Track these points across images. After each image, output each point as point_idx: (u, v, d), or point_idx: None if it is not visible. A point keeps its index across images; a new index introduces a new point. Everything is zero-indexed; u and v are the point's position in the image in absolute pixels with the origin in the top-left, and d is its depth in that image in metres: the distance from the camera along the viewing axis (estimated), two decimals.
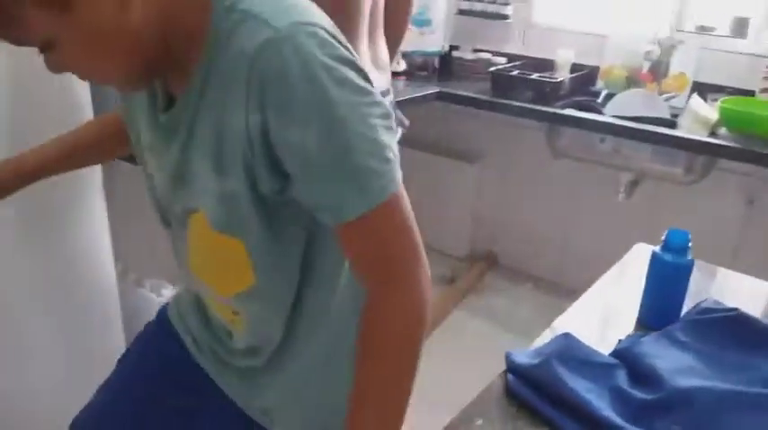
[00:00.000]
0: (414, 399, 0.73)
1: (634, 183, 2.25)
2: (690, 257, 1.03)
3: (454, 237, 2.83)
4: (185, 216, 0.76)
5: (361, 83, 0.64)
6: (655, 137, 1.91)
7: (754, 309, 1.04)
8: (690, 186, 2.11)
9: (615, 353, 0.91)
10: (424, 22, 2.49)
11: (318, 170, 0.63)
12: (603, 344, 0.94)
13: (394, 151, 0.67)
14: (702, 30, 2.27)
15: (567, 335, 0.90)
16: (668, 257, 1.04)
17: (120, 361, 1.02)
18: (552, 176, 2.56)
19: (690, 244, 1.03)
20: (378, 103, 0.65)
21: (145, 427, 0.94)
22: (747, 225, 2.21)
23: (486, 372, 0.87)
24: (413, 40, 2.51)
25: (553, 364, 0.83)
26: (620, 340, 0.97)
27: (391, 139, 0.66)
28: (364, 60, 1.39)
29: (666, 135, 1.89)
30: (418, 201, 3.04)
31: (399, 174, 0.67)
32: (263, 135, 0.63)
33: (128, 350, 1.03)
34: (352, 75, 0.63)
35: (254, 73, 0.61)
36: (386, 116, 0.66)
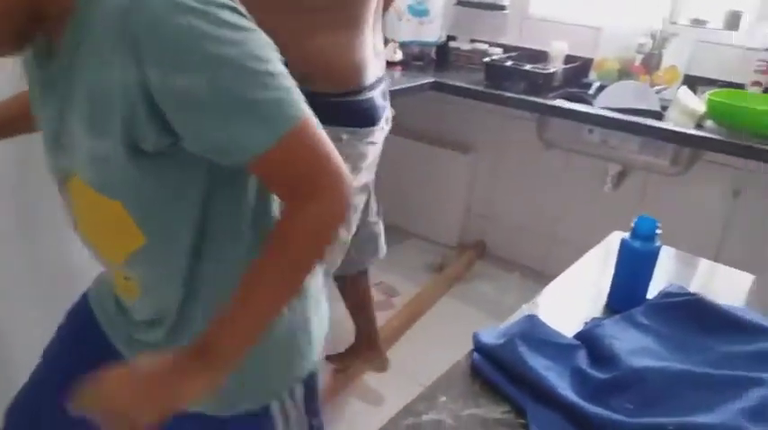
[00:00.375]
0: (402, 381, 0.75)
1: (622, 174, 2.28)
2: (657, 244, 1.07)
3: (445, 226, 2.87)
4: (66, 177, 0.73)
5: (238, 19, 0.63)
6: (640, 128, 1.94)
7: (734, 301, 1.09)
8: (676, 177, 2.14)
9: (578, 336, 0.95)
10: (422, 12, 2.51)
11: (214, 114, 0.62)
12: (572, 326, 0.98)
13: (289, 78, 0.67)
14: (696, 23, 2.29)
15: (531, 317, 0.94)
16: (636, 244, 1.07)
17: (45, 349, 0.98)
18: (542, 167, 2.59)
19: (658, 231, 1.06)
20: (259, 35, 0.65)
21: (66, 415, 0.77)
22: (733, 216, 2.24)
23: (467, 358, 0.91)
24: (411, 30, 2.54)
25: (516, 344, 0.87)
26: (586, 323, 1.01)
27: (281, 67, 0.66)
28: (367, 49, 1.40)
29: (652, 127, 1.92)
30: (411, 190, 3.16)
31: (300, 98, 0.67)
32: (144, 92, 0.61)
33: (54, 336, 1.00)
34: (226, 14, 0.62)
35: (127, 26, 0.59)
36: (270, 45, 0.66)
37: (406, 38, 2.52)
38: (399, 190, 2.72)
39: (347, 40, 1.36)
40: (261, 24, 0.67)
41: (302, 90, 0.67)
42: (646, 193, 2.39)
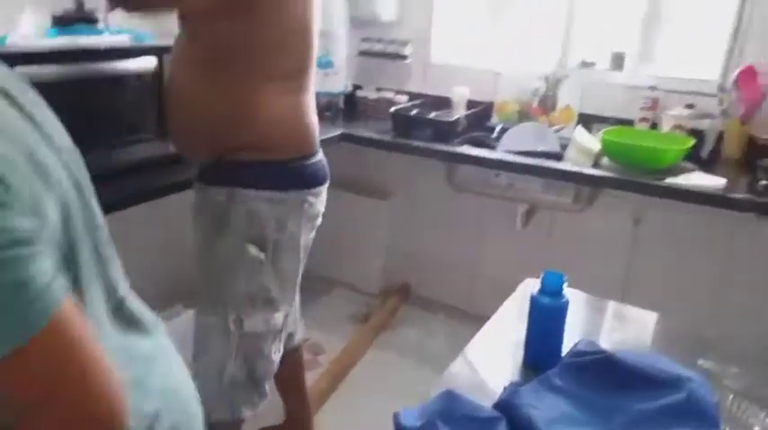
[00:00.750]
0: None
1: (530, 213, 2.36)
2: (564, 299, 1.09)
3: (368, 273, 2.85)
4: None
5: None
6: (542, 170, 2.01)
7: (642, 340, 1.16)
8: (580, 213, 2.23)
9: (498, 405, 0.95)
10: (327, 64, 2.53)
11: None
12: (493, 386, 0.99)
13: (30, 273, 0.51)
14: (584, 65, 2.43)
15: (449, 393, 0.93)
16: (545, 300, 1.10)
17: None
18: (456, 209, 2.65)
19: (564, 285, 1.09)
20: None
21: None
22: (635, 243, 2.36)
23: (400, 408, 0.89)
24: (317, 82, 2.54)
25: (437, 426, 0.86)
26: (505, 387, 1.01)
27: (21, 263, 0.51)
28: (314, 110, 1.46)
29: (551, 169, 1.99)
30: (332, 238, 3.10)
31: (52, 295, 0.53)
32: None
33: None
34: None
35: None
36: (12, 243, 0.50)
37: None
38: (319, 239, 2.68)
39: (303, 103, 1.41)
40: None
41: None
42: (554, 229, 2.48)
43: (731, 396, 1.04)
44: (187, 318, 1.74)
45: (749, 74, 2.02)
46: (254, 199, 1.34)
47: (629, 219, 2.34)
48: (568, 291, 1.08)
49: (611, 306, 1.37)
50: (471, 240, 2.68)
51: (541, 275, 1.10)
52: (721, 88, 2.09)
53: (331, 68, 2.53)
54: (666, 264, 2.32)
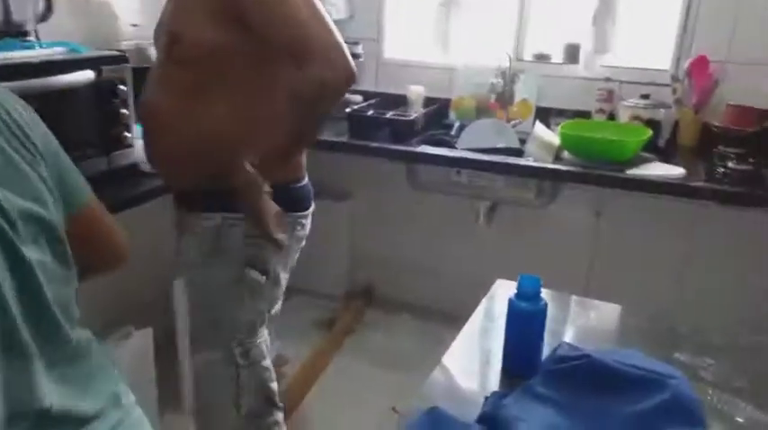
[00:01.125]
0: None
1: (492, 210, 2.34)
2: (543, 302, 1.06)
3: (331, 277, 2.78)
4: None
5: None
6: (504, 167, 1.99)
7: (610, 333, 1.17)
8: (543, 208, 2.22)
9: (482, 418, 0.90)
10: None
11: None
12: (472, 400, 0.95)
13: None
14: (540, 58, 2.42)
15: (432, 412, 0.88)
16: (523, 305, 1.06)
17: None
18: (417, 208, 2.61)
19: (541, 288, 1.05)
20: None
21: None
22: (598, 236, 2.37)
23: (372, 414, 0.83)
24: None
25: None
26: (486, 397, 0.96)
27: None
28: None
29: (513, 165, 1.97)
30: None
31: None
32: None
33: None
34: None
35: None
36: None
37: None
38: None
39: None
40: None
41: None
42: (517, 225, 2.46)
43: (710, 389, 1.03)
44: (138, 339, 1.65)
45: (701, 63, 2.05)
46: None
47: (592, 212, 2.34)
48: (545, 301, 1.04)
49: (578, 301, 1.35)
50: (434, 239, 2.64)
51: (518, 279, 1.06)
52: (674, 78, 2.10)
53: None
54: (629, 255, 2.33)
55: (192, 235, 1.32)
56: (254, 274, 1.31)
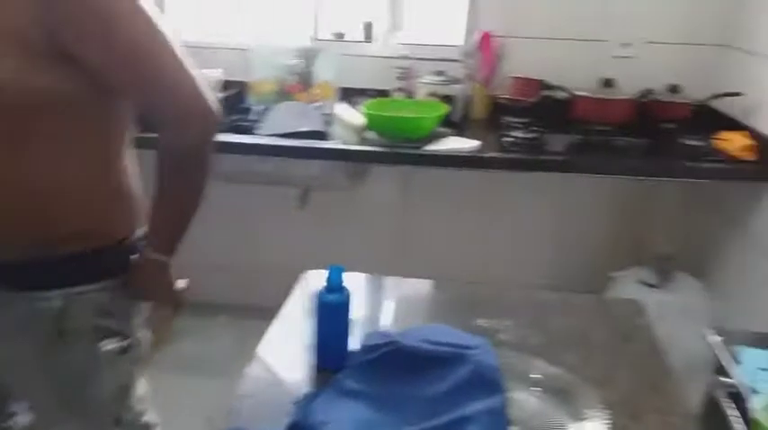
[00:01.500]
0: None
1: (304, 196, 2.27)
2: (346, 292, 1.02)
3: None
4: None
5: None
6: (310, 152, 1.92)
7: (420, 310, 1.20)
8: (354, 190, 2.21)
9: (292, 426, 0.84)
10: None
11: None
12: (288, 402, 0.90)
13: None
14: (337, 37, 2.39)
15: None
16: (328, 298, 1.01)
17: None
18: (224, 201, 2.45)
19: (352, 275, 1.02)
20: None
21: None
22: (406, 212, 2.43)
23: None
24: None
25: None
26: (296, 403, 0.90)
27: None
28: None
29: (319, 149, 1.92)
30: None
31: None
32: None
33: None
34: None
35: None
36: None
37: None
38: None
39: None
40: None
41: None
42: (331, 209, 2.43)
43: (508, 350, 1.06)
44: None
45: (486, 39, 2.15)
46: (102, 290, 1.06)
47: (401, 190, 2.39)
48: (349, 276, 1.00)
49: (392, 281, 1.35)
50: (247, 231, 2.52)
51: (327, 270, 1.01)
52: (466, 53, 2.19)
53: None
54: (437, 229, 2.43)
55: (23, 325, 1.04)
56: (112, 344, 1.09)
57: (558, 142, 1.93)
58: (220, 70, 2.26)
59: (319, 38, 2.37)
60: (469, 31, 2.22)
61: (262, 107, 2.24)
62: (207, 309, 2.52)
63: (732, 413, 1.09)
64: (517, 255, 2.42)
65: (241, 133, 2.08)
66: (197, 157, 1.06)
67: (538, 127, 1.96)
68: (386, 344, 0.95)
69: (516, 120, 2.00)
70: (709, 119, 2.01)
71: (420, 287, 1.36)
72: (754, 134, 1.83)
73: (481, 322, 1.18)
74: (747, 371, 0.96)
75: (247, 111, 2.28)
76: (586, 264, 2.36)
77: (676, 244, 2.19)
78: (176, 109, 0.98)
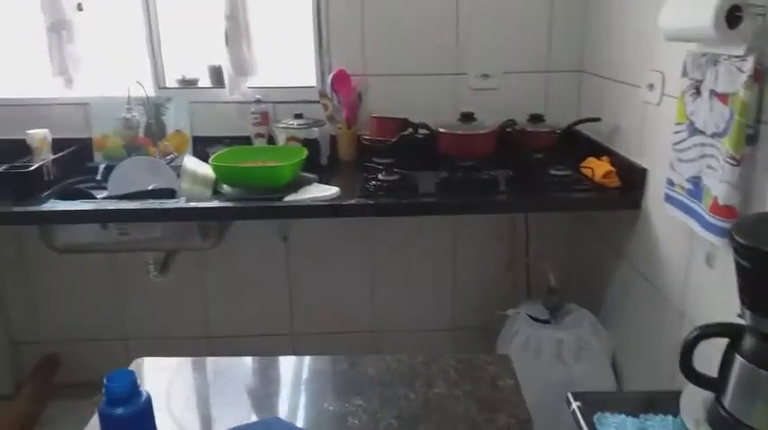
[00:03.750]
0: None
1: (164, 260, 2.05)
2: (143, 395, 0.85)
3: None
4: None
5: None
6: (150, 214, 1.71)
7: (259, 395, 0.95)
8: (218, 247, 2.01)
9: None
10: None
11: None
12: None
13: None
14: (186, 83, 2.20)
15: None
16: (119, 411, 0.83)
17: None
18: (80, 272, 2.21)
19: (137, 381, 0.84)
20: None
21: None
22: (288, 259, 2.26)
23: None
24: None
25: None
26: None
27: None
28: None
29: (159, 209, 1.70)
30: None
31: None
32: None
33: None
34: None
35: None
36: None
37: None
38: None
39: None
40: None
41: None
42: (192, 269, 2.23)
43: None
44: None
45: (341, 77, 2.04)
46: None
47: (277, 237, 2.22)
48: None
49: (224, 363, 1.19)
50: (111, 301, 2.27)
51: (104, 383, 0.83)
52: (321, 94, 2.07)
53: None
54: (317, 281, 2.27)
55: None
56: None
57: (424, 181, 1.83)
58: (46, 130, 2.00)
59: (164, 85, 2.17)
60: (323, 70, 2.11)
61: (107, 164, 2.02)
62: (86, 389, 2.23)
63: None
64: (405, 302, 2.30)
65: (79, 197, 1.84)
66: None
67: (402, 167, 1.86)
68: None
69: (381, 161, 1.89)
70: (575, 145, 1.98)
71: (261, 366, 1.20)
72: (616, 158, 1.81)
73: (328, 405, 1.04)
74: None
75: (93, 170, 2.05)
76: (477, 303, 2.27)
77: (564, 275, 2.15)
78: None
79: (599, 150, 1.92)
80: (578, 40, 2.09)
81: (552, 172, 1.86)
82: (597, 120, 1.91)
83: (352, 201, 1.70)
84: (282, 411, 1.04)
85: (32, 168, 1.83)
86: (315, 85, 2.13)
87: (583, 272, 2.16)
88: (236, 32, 1.99)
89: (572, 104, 2.13)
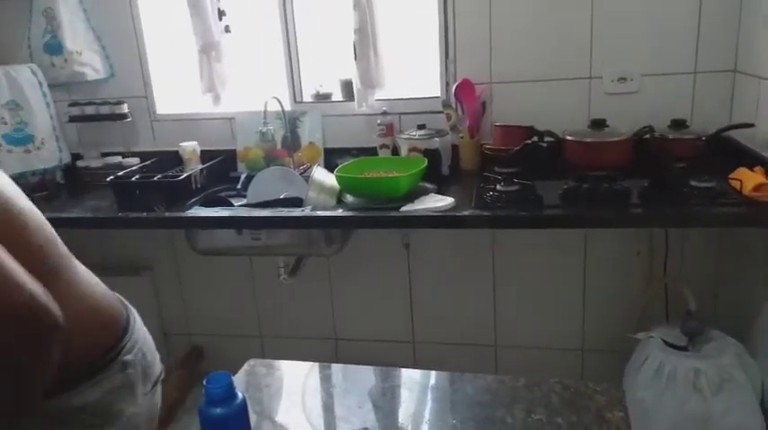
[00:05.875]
0: None
1: (292, 264, 2.17)
2: (239, 399, 0.90)
3: None
4: None
5: None
6: (281, 221, 1.82)
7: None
8: (338, 254, 2.09)
9: None
10: (25, 139, 2.16)
11: None
12: None
13: None
14: (319, 97, 2.32)
15: None
16: (217, 411, 0.89)
17: None
18: (219, 271, 2.42)
19: (233, 384, 0.90)
20: None
21: None
22: (410, 265, 2.28)
23: None
24: (19, 162, 2.16)
25: None
26: None
27: None
28: None
29: (289, 217, 1.81)
30: None
31: None
32: None
33: None
34: None
35: None
36: None
37: (15, 170, 2.13)
38: None
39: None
40: None
41: None
42: (320, 273, 2.33)
43: None
44: None
45: (466, 87, 2.02)
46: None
47: (401, 246, 2.25)
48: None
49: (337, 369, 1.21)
50: (246, 299, 2.44)
51: (204, 384, 0.90)
52: (445, 104, 2.06)
53: (32, 142, 2.16)
54: (440, 292, 2.27)
55: None
56: None
57: (547, 192, 1.75)
58: (195, 142, 2.22)
59: (301, 100, 2.30)
60: (447, 80, 2.10)
61: (248, 174, 2.19)
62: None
63: None
64: (529, 317, 2.22)
65: (219, 205, 2.02)
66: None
67: (524, 177, 1.79)
68: None
69: (502, 170, 1.84)
70: (724, 154, 1.78)
71: (350, 374, 1.22)
72: None
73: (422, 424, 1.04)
74: None
75: (235, 179, 2.23)
76: (608, 323, 2.12)
77: (707, 298, 1.93)
78: None
79: (752, 160, 1.70)
80: (732, 35, 1.88)
81: (693, 183, 1.69)
82: (750, 125, 1.70)
83: (466, 213, 1.67)
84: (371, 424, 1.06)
85: (182, 177, 2.04)
86: (439, 95, 2.13)
87: (730, 295, 1.93)
88: (364, 46, 2.05)
89: (722, 108, 1.92)
